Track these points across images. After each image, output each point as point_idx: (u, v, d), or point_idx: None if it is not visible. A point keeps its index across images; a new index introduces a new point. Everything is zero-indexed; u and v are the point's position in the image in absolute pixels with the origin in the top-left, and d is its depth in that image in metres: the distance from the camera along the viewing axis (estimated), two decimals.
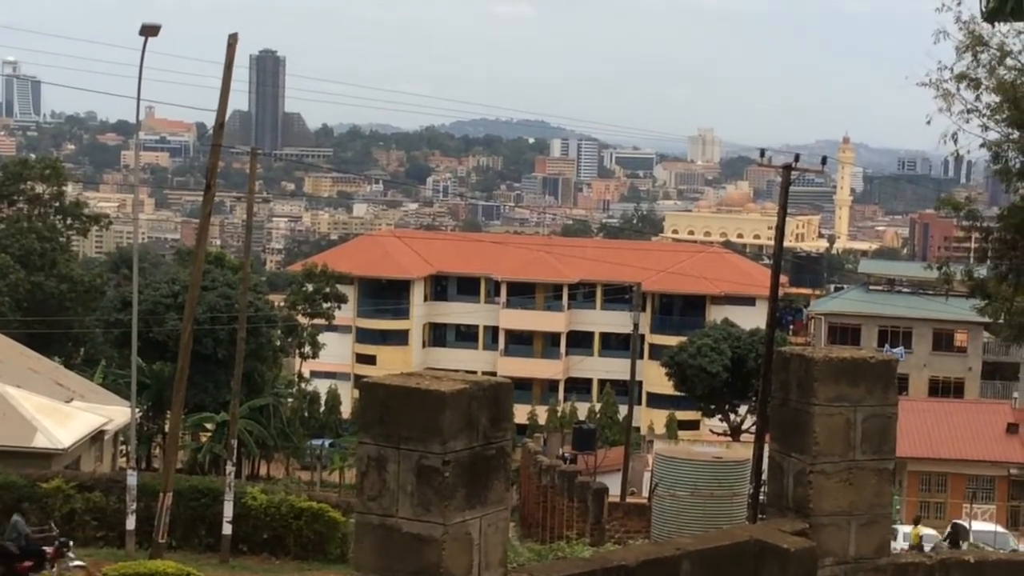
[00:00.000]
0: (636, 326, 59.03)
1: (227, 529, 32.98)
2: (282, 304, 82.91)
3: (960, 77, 35.78)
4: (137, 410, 43.69)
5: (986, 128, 36.64)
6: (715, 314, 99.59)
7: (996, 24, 29.36)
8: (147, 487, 33.10)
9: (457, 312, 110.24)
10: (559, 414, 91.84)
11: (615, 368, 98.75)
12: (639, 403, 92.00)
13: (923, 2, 36.87)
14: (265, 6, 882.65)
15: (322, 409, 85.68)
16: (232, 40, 31.82)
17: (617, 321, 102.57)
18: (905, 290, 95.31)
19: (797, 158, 40.05)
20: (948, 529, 44.70)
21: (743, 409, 79.67)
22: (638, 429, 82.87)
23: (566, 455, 58.01)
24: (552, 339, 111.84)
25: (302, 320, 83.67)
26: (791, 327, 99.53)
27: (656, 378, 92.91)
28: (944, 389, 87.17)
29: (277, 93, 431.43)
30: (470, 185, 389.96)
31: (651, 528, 39.56)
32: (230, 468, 35.57)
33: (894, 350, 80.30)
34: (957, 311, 69.86)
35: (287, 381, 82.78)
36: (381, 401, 6.78)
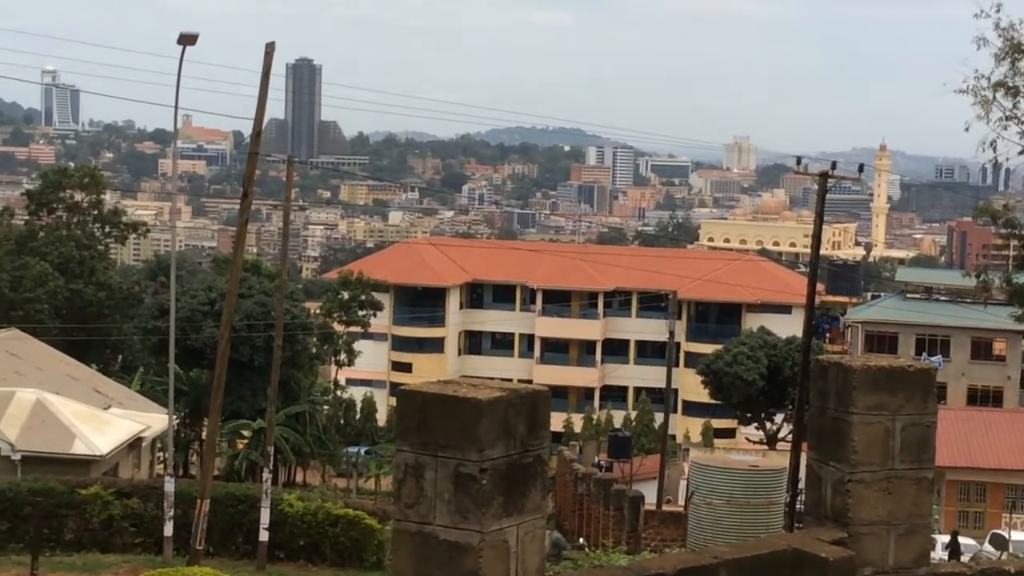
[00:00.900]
0: (672, 334, 58.93)
1: (264, 536, 33.03)
2: (318, 312, 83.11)
3: (998, 85, 35.56)
4: (174, 417, 43.85)
5: None
6: (751, 322, 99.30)
7: None
8: (184, 494, 33.18)
9: (493, 320, 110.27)
10: (595, 422, 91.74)
11: (651, 376, 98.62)
12: (675, 411, 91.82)
13: (961, 8, 36.70)
14: (302, 15, 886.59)
15: (358, 416, 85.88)
16: (269, 49, 31.92)
17: (653, 329, 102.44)
18: (943, 298, 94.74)
19: (834, 166, 39.90)
20: (948, 538, 44.04)
21: (779, 417, 79.40)
22: (674, 437, 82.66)
23: (602, 463, 58.02)
24: (588, 347, 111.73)
25: (338, 328, 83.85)
26: (827, 335, 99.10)
27: (692, 386, 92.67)
28: (983, 398, 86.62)
29: (313, 101, 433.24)
30: (506, 193, 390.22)
31: (687, 537, 39.44)
32: (267, 475, 35.65)
33: (932, 358, 79.83)
34: (996, 319, 69.40)
35: (323, 388, 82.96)
36: (418, 409, 6.79)
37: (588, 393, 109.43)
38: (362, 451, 75.94)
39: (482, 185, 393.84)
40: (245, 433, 66.61)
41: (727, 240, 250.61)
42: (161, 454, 51.31)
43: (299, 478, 73.83)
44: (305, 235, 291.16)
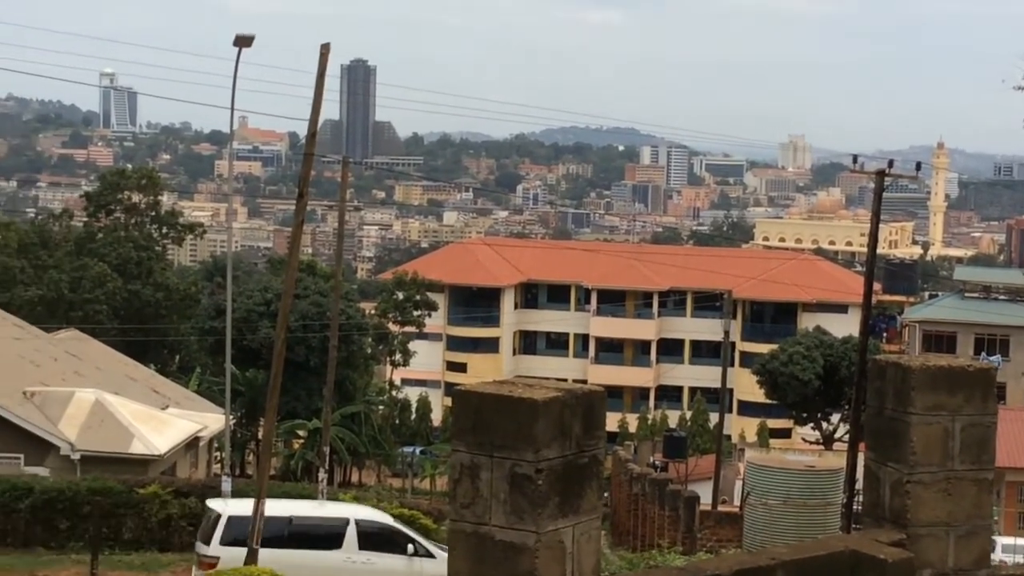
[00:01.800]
0: (727, 334, 58.67)
1: None
2: (373, 312, 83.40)
3: None
4: (231, 417, 44.13)
5: None
6: (807, 321, 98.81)
7: None
8: (241, 493, 33.38)
9: (547, 320, 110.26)
10: (650, 422, 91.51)
11: (706, 376, 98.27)
12: (730, 411, 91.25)
13: (1021, 6, 36.31)
14: (357, 16, 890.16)
15: (413, 417, 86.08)
16: (324, 50, 31.99)
17: (708, 328, 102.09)
18: (1002, 297, 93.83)
19: (891, 164, 39.64)
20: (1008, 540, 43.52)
21: (835, 417, 78.90)
22: (729, 437, 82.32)
23: (657, 463, 57.79)
24: (642, 347, 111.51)
25: (393, 328, 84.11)
26: (884, 335, 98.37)
27: (747, 386, 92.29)
28: None
29: (368, 102, 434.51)
30: (560, 193, 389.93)
31: (743, 537, 39.26)
32: (322, 475, 35.85)
33: (991, 358, 79.04)
34: None
35: (378, 389, 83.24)
36: (474, 409, 6.79)
37: (643, 393, 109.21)
38: (417, 451, 76.09)
39: (536, 185, 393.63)
40: (301, 433, 66.93)
41: (782, 239, 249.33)
42: (218, 454, 51.69)
43: (354, 478, 74.11)
44: (360, 235, 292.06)
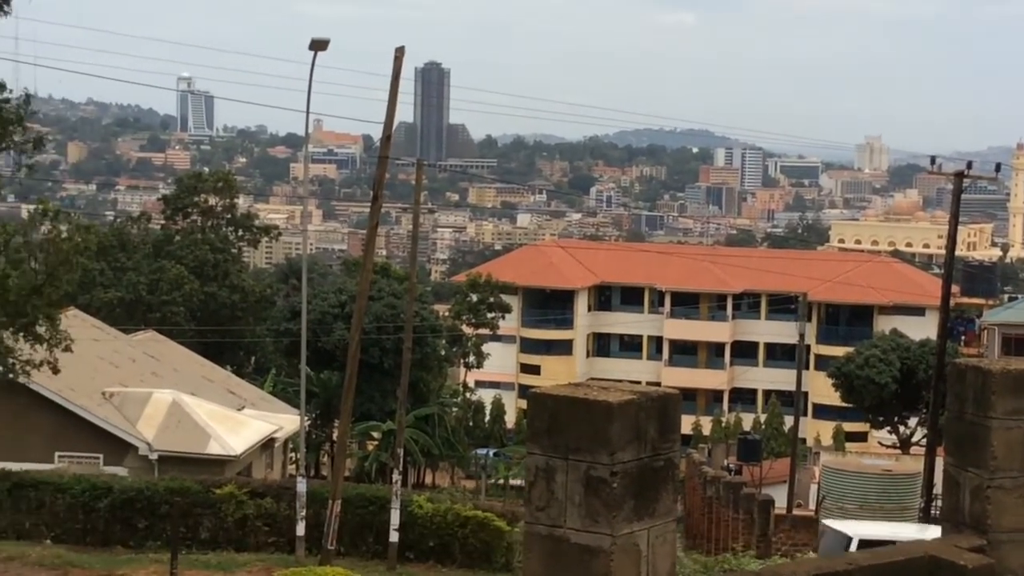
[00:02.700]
0: (802, 336, 58.22)
1: (394, 536, 33.29)
2: (447, 314, 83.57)
3: None
4: (306, 418, 44.44)
5: None
6: (883, 324, 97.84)
7: None
8: (316, 494, 33.60)
9: (621, 322, 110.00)
10: (724, 425, 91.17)
11: (780, 379, 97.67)
12: (805, 414, 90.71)
13: None
14: (431, 20, 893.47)
15: (486, 419, 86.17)
16: (399, 53, 32.19)
17: (782, 331, 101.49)
18: None
19: (969, 165, 39.21)
20: None
21: (913, 421, 78.06)
22: (804, 441, 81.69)
23: (731, 466, 57.50)
24: (716, 349, 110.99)
25: (466, 330, 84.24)
26: (963, 338, 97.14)
27: (822, 389, 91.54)
28: None
29: (442, 105, 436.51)
30: (633, 195, 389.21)
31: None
32: (396, 476, 35.91)
33: None
34: None
35: (452, 391, 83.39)
36: (549, 411, 6.78)
37: (717, 396, 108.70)
38: (491, 453, 76.16)
39: (610, 187, 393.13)
40: (375, 435, 67.21)
41: (858, 241, 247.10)
42: (293, 455, 52.03)
43: (428, 480, 74.33)
44: (434, 238, 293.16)
